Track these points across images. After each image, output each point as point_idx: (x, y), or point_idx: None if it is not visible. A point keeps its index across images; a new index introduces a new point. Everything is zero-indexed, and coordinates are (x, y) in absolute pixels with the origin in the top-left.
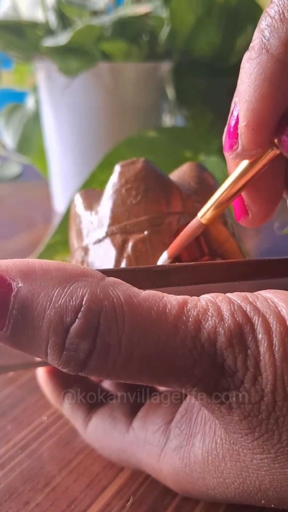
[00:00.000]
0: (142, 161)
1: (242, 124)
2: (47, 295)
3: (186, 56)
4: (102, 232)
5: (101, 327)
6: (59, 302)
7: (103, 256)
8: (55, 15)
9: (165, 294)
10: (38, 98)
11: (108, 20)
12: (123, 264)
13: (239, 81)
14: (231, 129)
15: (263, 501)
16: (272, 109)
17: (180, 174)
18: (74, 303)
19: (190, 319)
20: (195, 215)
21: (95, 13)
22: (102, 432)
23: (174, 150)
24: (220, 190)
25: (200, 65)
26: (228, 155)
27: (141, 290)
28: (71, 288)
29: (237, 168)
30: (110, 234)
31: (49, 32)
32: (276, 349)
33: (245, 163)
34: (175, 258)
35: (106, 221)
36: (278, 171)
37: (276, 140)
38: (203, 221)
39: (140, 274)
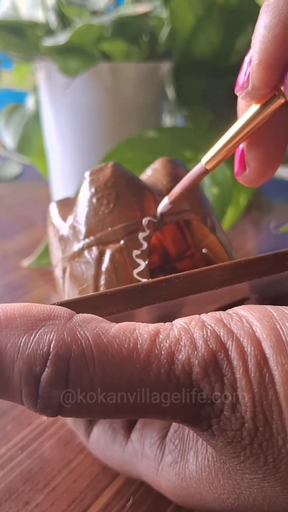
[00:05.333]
0: (110, 167)
1: (254, 62)
2: (14, 345)
3: (186, 56)
4: (78, 245)
5: (71, 373)
6: (26, 352)
7: (82, 270)
8: (55, 15)
9: (136, 326)
10: (38, 98)
11: (108, 20)
12: (102, 279)
13: (256, 25)
14: (245, 69)
15: None
16: (284, 50)
17: (152, 173)
18: (41, 351)
19: (162, 352)
20: (171, 215)
21: (95, 13)
22: (104, 444)
23: (174, 150)
24: (226, 135)
25: (200, 65)
26: (238, 94)
27: (112, 324)
28: (37, 335)
29: (245, 114)
30: (86, 247)
31: (49, 32)
32: (252, 374)
33: (252, 109)
34: (162, 256)
35: (81, 234)
36: (280, 130)
37: (282, 88)
38: (207, 166)
39: (113, 298)
